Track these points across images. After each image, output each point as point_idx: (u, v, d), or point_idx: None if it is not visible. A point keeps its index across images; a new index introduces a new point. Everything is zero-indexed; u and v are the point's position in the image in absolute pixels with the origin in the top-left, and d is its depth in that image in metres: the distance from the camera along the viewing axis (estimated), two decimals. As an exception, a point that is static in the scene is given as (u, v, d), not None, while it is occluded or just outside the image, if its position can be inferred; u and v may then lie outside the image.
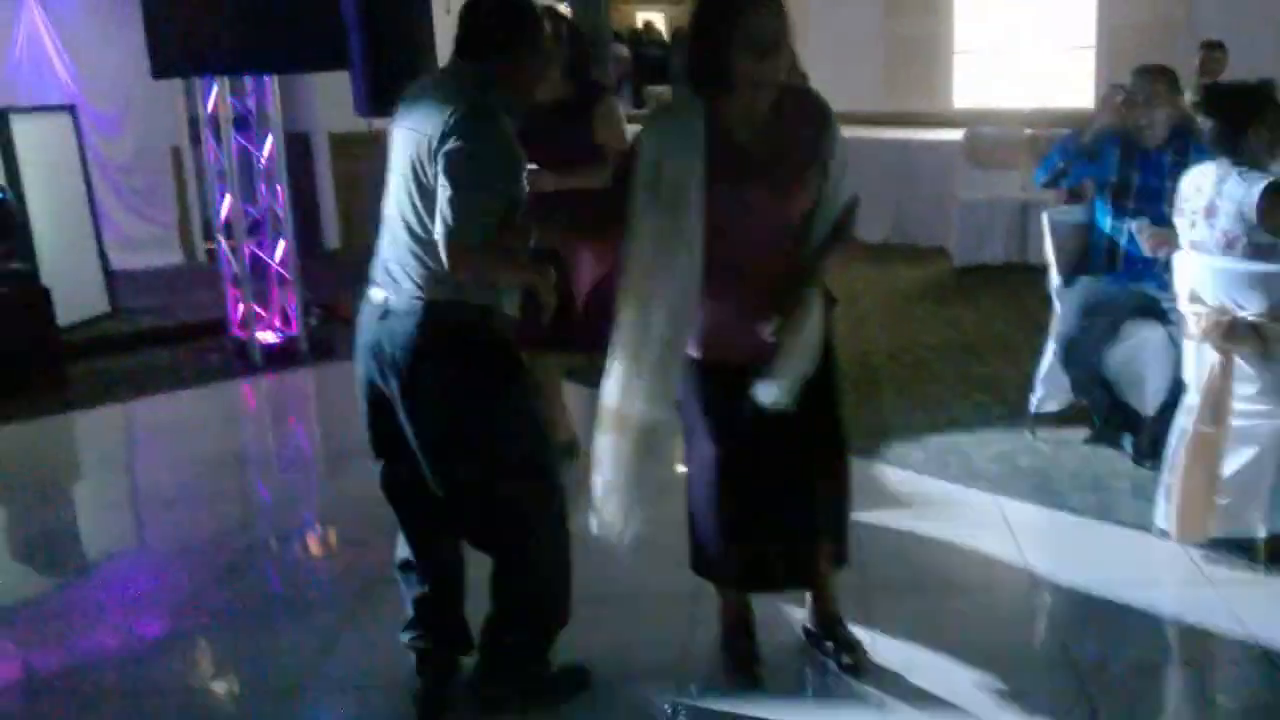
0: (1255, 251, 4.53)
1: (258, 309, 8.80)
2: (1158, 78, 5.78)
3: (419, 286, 3.54)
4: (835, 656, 4.09)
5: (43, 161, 9.23)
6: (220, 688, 4.39)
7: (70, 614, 4.96)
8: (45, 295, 8.14)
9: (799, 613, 4.24)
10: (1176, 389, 5.05)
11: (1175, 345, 5.20)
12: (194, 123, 10.05)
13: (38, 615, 5.00)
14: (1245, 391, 4.62)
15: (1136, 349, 5.58)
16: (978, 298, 9.64)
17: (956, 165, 11.42)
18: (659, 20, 21.89)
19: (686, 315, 3.54)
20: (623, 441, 3.62)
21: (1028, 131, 11.29)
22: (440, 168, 3.40)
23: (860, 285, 9.82)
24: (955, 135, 11.75)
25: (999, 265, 10.66)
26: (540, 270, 3.64)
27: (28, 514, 6.24)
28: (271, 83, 8.69)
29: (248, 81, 8.72)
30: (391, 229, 3.64)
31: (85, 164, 9.88)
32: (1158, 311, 5.55)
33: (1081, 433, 6.04)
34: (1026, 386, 6.33)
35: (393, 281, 3.61)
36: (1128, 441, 5.77)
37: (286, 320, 8.99)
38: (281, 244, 8.92)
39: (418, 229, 3.50)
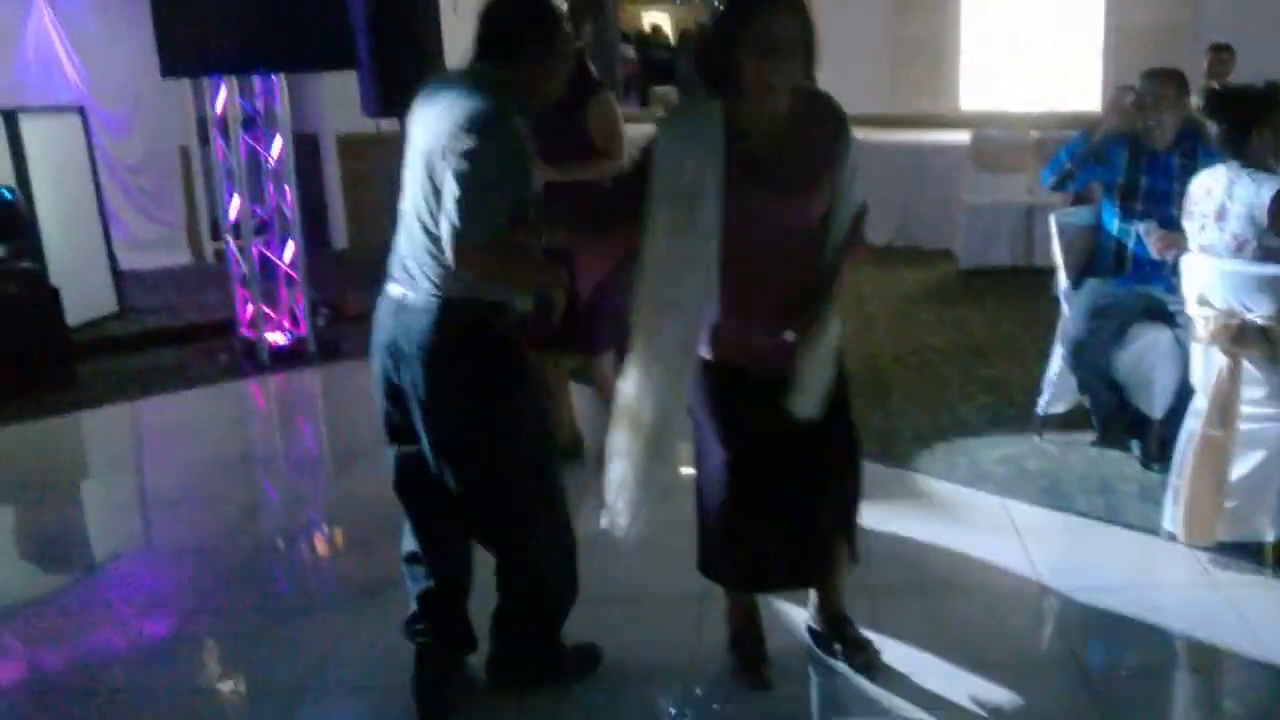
0: (1265, 255, 4.52)
1: (266, 309, 8.81)
2: (1166, 80, 5.78)
3: (435, 283, 3.56)
4: (845, 656, 4.10)
5: (52, 162, 9.25)
6: (227, 688, 4.39)
7: (77, 613, 4.97)
8: (54, 295, 8.16)
9: (803, 613, 4.25)
10: (1184, 392, 5.04)
11: (1183, 348, 5.19)
12: (202, 123, 10.06)
13: (45, 614, 4.99)
14: (1253, 395, 4.62)
15: (1144, 352, 5.55)
16: (984, 300, 9.63)
17: (963, 168, 11.41)
18: (665, 22, 21.93)
19: (701, 317, 3.54)
20: (635, 440, 3.64)
21: (1034, 134, 11.29)
22: (450, 167, 3.41)
23: (866, 288, 9.82)
24: (961, 138, 11.74)
25: (1005, 268, 10.65)
26: (550, 271, 3.65)
27: (36, 513, 6.25)
28: (280, 83, 8.70)
29: (256, 82, 8.73)
30: (408, 226, 3.66)
31: (94, 164, 9.91)
32: (1165, 314, 5.55)
33: (1089, 435, 6.03)
34: (1033, 389, 6.33)
35: (409, 278, 3.63)
36: (1135, 444, 5.77)
37: (295, 320, 9.00)
38: (290, 244, 8.92)
39: (432, 227, 3.52)
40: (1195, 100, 7.26)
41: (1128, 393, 5.66)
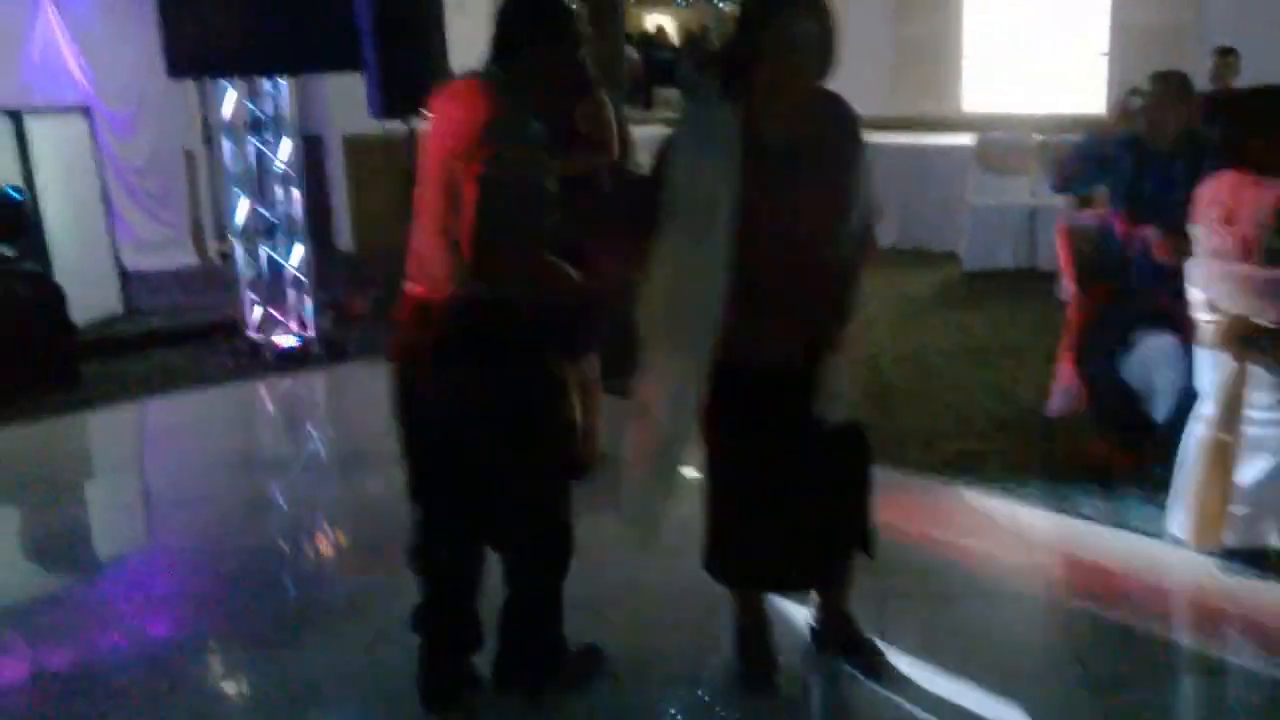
0: (1272, 258, 4.53)
1: (272, 310, 8.81)
2: (1172, 84, 5.75)
3: (454, 283, 3.57)
4: (851, 658, 4.11)
5: (57, 162, 9.26)
6: (233, 689, 4.41)
7: (82, 614, 4.99)
8: (60, 295, 8.17)
9: (802, 614, 4.25)
10: (1189, 397, 5.05)
11: (1187, 353, 5.20)
12: (207, 125, 10.08)
13: (50, 614, 5.01)
14: (1260, 400, 4.61)
15: (1149, 356, 5.55)
16: (988, 303, 9.64)
17: (966, 170, 11.44)
18: (669, 25, 21.94)
19: (716, 318, 3.53)
20: (648, 444, 3.66)
21: (1038, 137, 11.32)
22: (472, 171, 3.42)
23: (869, 290, 9.77)
24: (965, 140, 11.78)
25: (1009, 271, 10.68)
26: (565, 275, 3.67)
27: (40, 513, 6.25)
28: (287, 85, 8.70)
29: (263, 84, 8.75)
30: (426, 225, 3.67)
31: (99, 165, 9.93)
32: (1170, 319, 5.53)
33: (1094, 439, 6.00)
34: (1038, 392, 6.33)
35: (429, 278, 3.65)
36: (1140, 449, 5.75)
37: (301, 322, 9.01)
38: (297, 246, 8.94)
39: (452, 229, 3.53)
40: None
41: (1133, 397, 5.65)
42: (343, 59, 8.61)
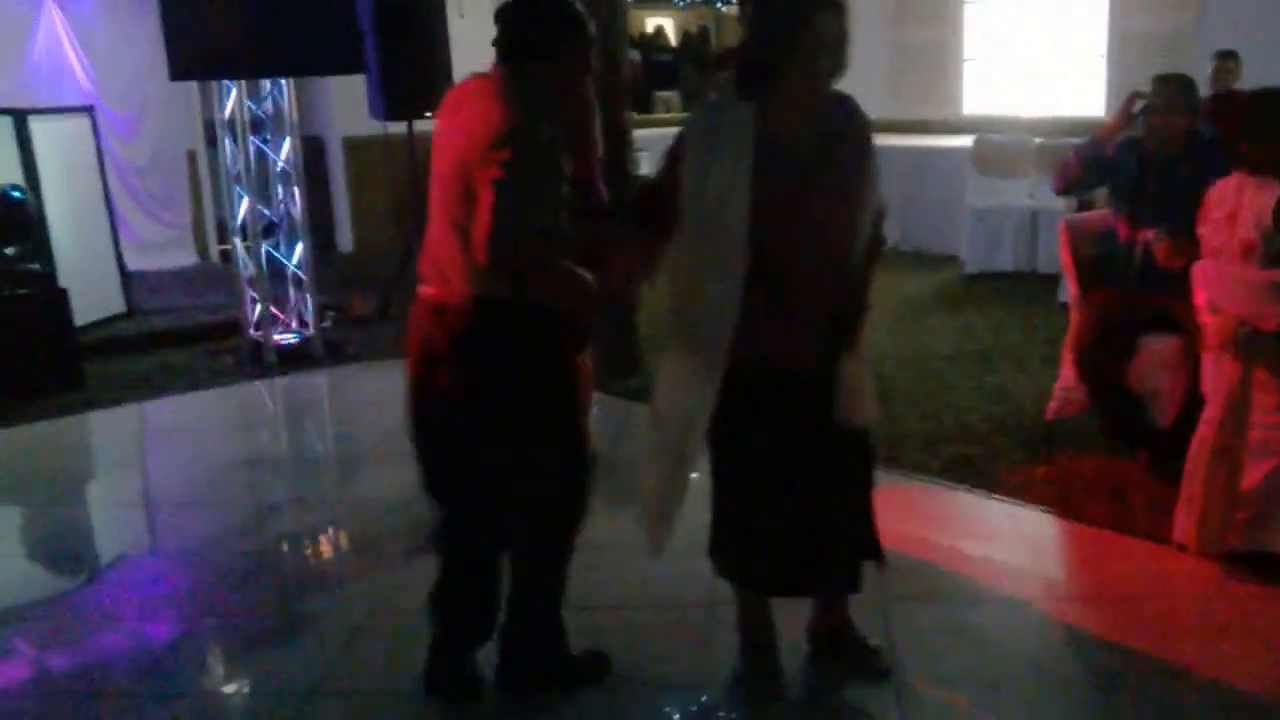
0: (1274, 260, 4.54)
1: (273, 310, 8.82)
2: (1176, 87, 5.76)
3: (470, 285, 3.59)
4: (854, 663, 4.11)
5: (60, 163, 9.28)
6: (234, 691, 4.39)
7: (84, 614, 4.98)
8: (62, 295, 8.18)
9: (801, 618, 4.22)
10: (1193, 400, 5.05)
11: (1192, 356, 5.21)
12: (209, 126, 10.09)
13: (52, 615, 5.01)
14: (1266, 403, 4.61)
15: (1153, 360, 5.57)
16: (989, 306, 9.64)
17: (966, 172, 11.46)
18: (668, 26, 21.93)
19: (730, 320, 3.53)
20: (663, 444, 3.68)
21: (1037, 140, 11.35)
22: (486, 175, 3.43)
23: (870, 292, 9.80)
24: (964, 142, 11.79)
25: (1009, 273, 10.70)
26: (579, 277, 3.67)
27: (43, 513, 6.25)
28: (288, 86, 8.72)
29: (265, 85, 8.76)
30: (440, 227, 3.69)
31: (102, 165, 9.95)
32: (1174, 322, 5.55)
33: (1097, 443, 6.02)
34: (1040, 395, 6.34)
35: (443, 280, 3.67)
36: (1143, 453, 5.77)
37: (302, 322, 9.02)
38: (298, 246, 8.95)
39: (466, 229, 3.54)
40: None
41: (1136, 400, 5.66)
42: (344, 61, 8.66)
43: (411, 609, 4.18)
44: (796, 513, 3.76)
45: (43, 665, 4.58)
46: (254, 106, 8.73)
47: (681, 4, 21.28)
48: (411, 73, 9.59)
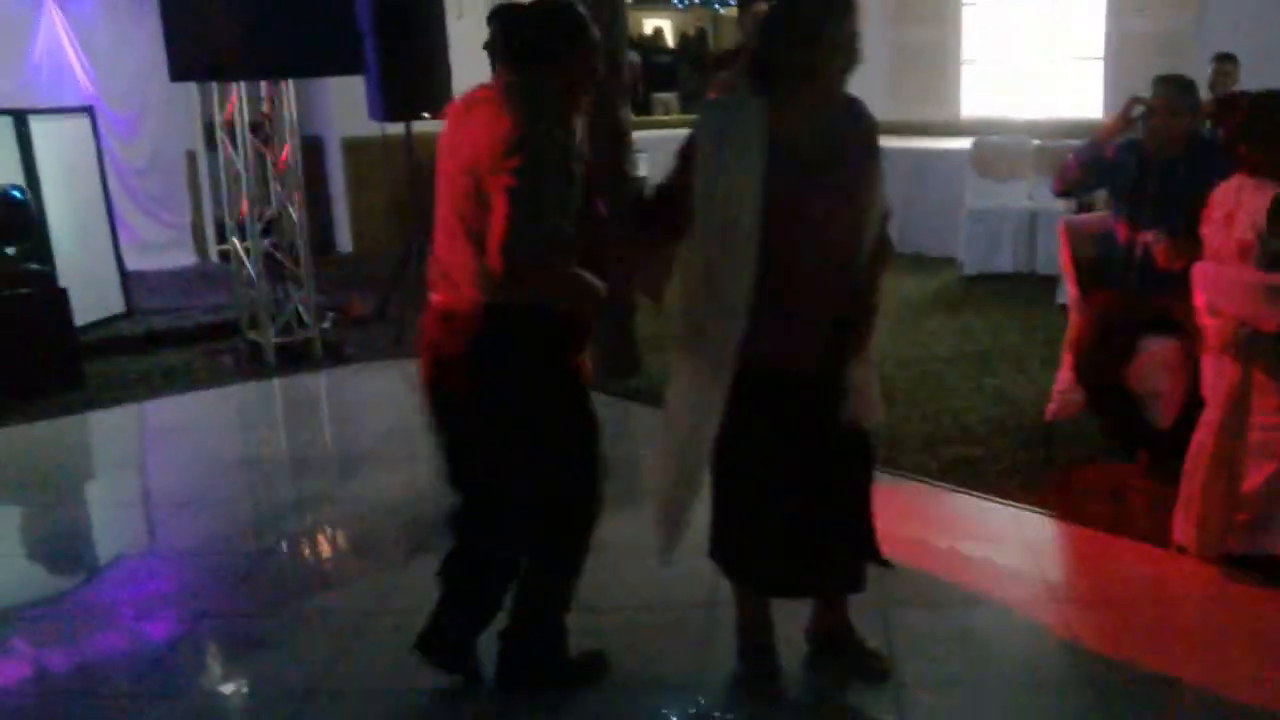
0: (1271, 261, 4.54)
1: (272, 311, 8.83)
2: (1177, 88, 5.76)
3: (480, 290, 3.61)
4: (854, 665, 4.11)
5: (61, 163, 9.29)
6: (233, 691, 4.39)
7: (83, 614, 4.99)
8: (62, 295, 8.18)
9: (797, 620, 4.21)
10: (1193, 402, 5.06)
11: (1191, 358, 5.21)
12: (209, 126, 10.11)
13: (51, 614, 5.02)
14: (1265, 405, 4.61)
15: (1152, 361, 5.58)
16: (987, 307, 9.65)
17: (965, 174, 11.46)
18: (667, 28, 21.93)
19: (742, 321, 3.53)
20: (674, 444, 3.70)
21: (1035, 142, 11.36)
22: (500, 181, 3.45)
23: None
24: (963, 144, 11.80)
25: (1008, 275, 10.71)
26: (588, 283, 3.69)
27: (42, 513, 6.26)
28: (288, 88, 8.72)
29: (264, 86, 8.77)
30: (449, 234, 3.71)
31: (102, 166, 9.96)
32: (1173, 323, 5.55)
33: (1096, 445, 6.03)
34: (1039, 397, 6.33)
35: (453, 286, 3.70)
36: (1143, 455, 5.77)
37: (300, 323, 9.02)
38: (297, 247, 8.95)
39: (477, 235, 3.56)
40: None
41: (1135, 402, 5.66)
42: (343, 62, 8.67)
43: (411, 609, 4.19)
44: (797, 513, 3.76)
45: (42, 665, 4.58)
46: (254, 107, 8.72)
47: (680, 5, 21.28)
48: (411, 74, 9.61)
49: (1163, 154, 5.78)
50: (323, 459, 7.28)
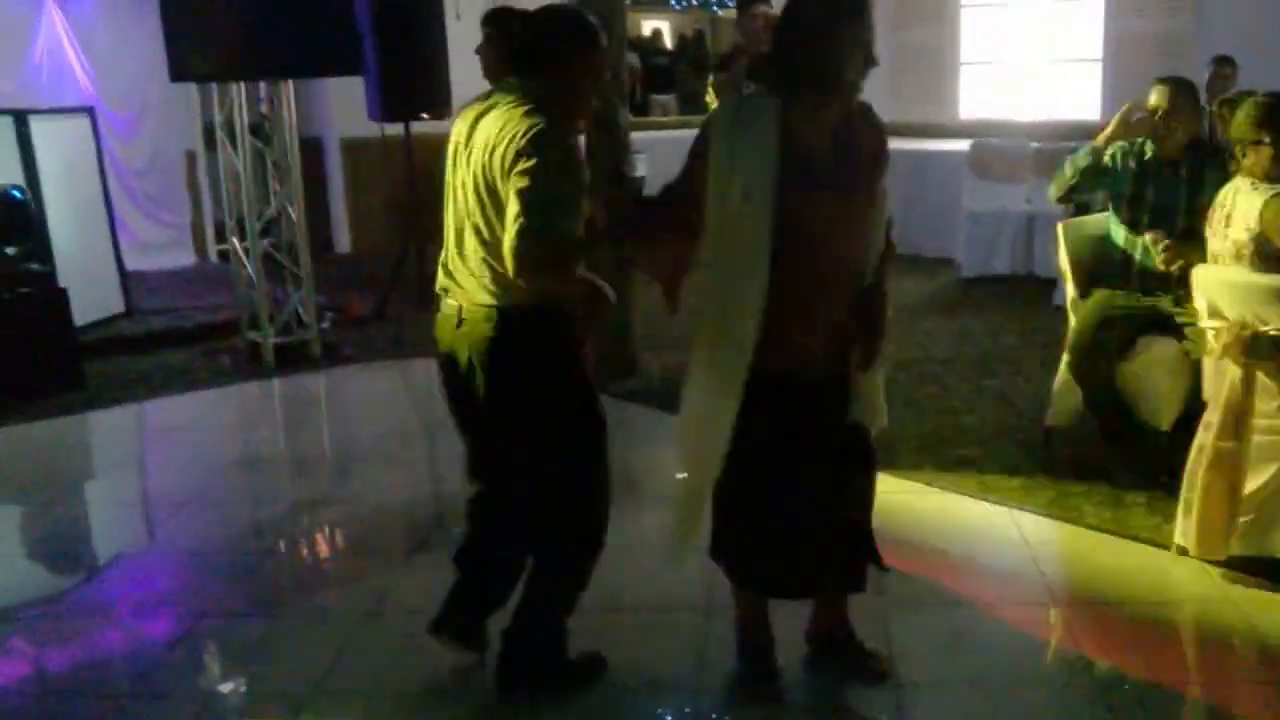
0: (1268, 263, 4.54)
1: (271, 311, 8.83)
2: (1179, 90, 5.74)
3: (492, 293, 3.66)
4: (854, 666, 4.11)
5: (61, 163, 9.29)
6: (232, 691, 4.39)
7: (83, 614, 5.00)
8: (62, 295, 8.18)
9: (796, 622, 4.21)
10: (1192, 404, 5.05)
11: (1190, 360, 5.21)
12: (208, 127, 10.11)
13: (50, 615, 5.01)
14: (1266, 407, 4.60)
15: (1151, 364, 5.57)
16: (986, 309, 9.66)
17: (963, 176, 11.48)
18: (665, 29, 21.90)
19: (756, 322, 3.54)
20: (690, 446, 3.74)
21: (1034, 144, 11.37)
22: (513, 183, 3.49)
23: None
24: (961, 146, 11.82)
25: (1006, 276, 10.72)
26: (597, 286, 3.72)
27: (43, 513, 6.26)
28: (287, 88, 8.73)
29: (264, 86, 8.77)
30: (460, 238, 3.75)
31: (102, 166, 9.96)
32: (1173, 325, 5.54)
33: (1096, 447, 6.01)
34: (1038, 399, 6.34)
35: (464, 290, 3.74)
36: (1142, 457, 5.75)
37: (299, 323, 9.03)
38: (296, 247, 8.95)
39: (489, 238, 3.61)
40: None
41: (1134, 404, 5.66)
42: (342, 63, 8.68)
43: (411, 609, 4.20)
44: (799, 514, 3.77)
45: (42, 664, 4.59)
46: (253, 108, 8.72)
47: (678, 7, 21.25)
48: (410, 75, 9.63)
49: (1163, 156, 5.78)
50: (322, 459, 7.29)
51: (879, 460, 4.02)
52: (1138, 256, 5.79)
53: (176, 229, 12.33)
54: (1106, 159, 5.87)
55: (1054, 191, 6.18)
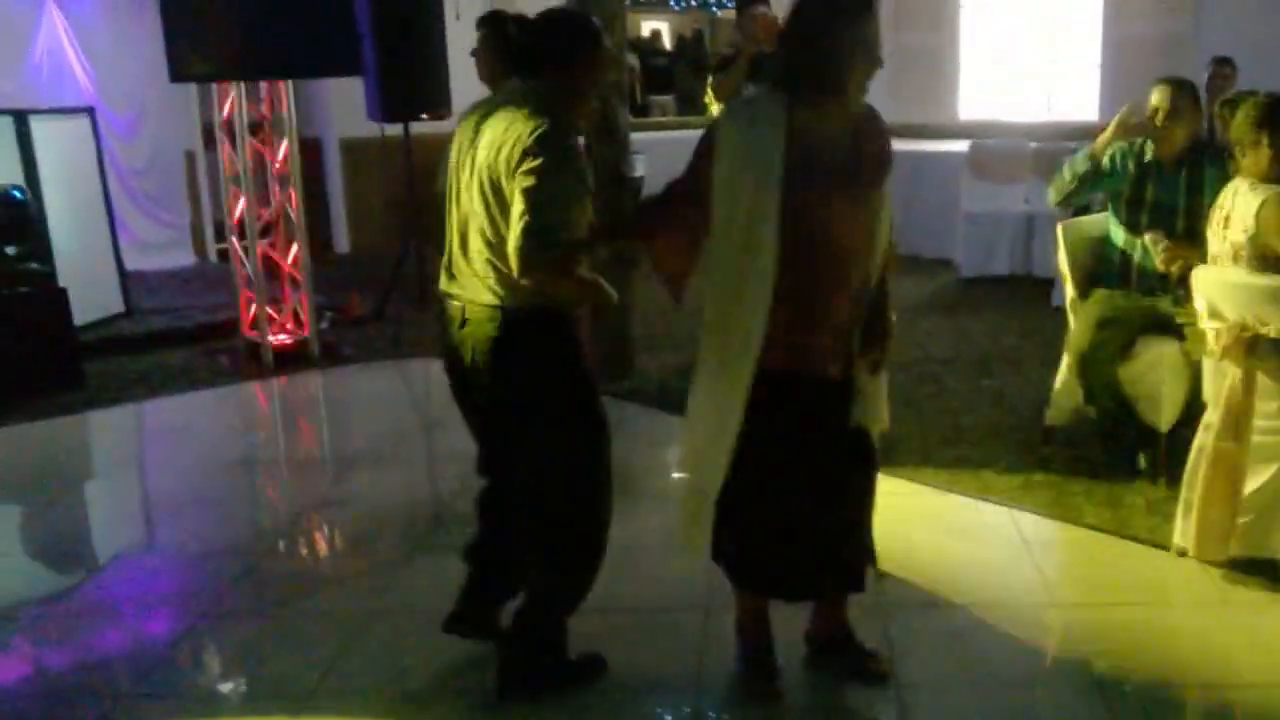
0: (1265, 265, 4.54)
1: (270, 311, 8.84)
2: (1180, 91, 5.74)
3: (495, 294, 3.68)
4: (854, 666, 4.11)
5: (61, 163, 9.28)
6: (232, 691, 4.39)
7: (83, 613, 5.00)
8: (62, 295, 8.18)
9: (794, 623, 4.21)
10: (1192, 405, 5.06)
11: (1190, 361, 5.21)
12: (208, 127, 10.12)
13: (50, 614, 5.02)
14: (1266, 408, 4.60)
15: (1151, 364, 5.57)
16: (984, 310, 9.67)
17: (962, 177, 11.48)
18: (664, 30, 21.92)
19: (762, 324, 3.54)
20: (696, 444, 3.73)
21: (1033, 145, 11.37)
22: (518, 183, 3.52)
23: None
24: (961, 147, 11.81)
25: (1005, 277, 10.73)
26: (599, 283, 3.74)
27: (43, 512, 6.27)
28: (287, 88, 8.74)
29: (263, 87, 8.78)
30: (464, 239, 3.78)
31: (102, 166, 9.96)
32: (1172, 326, 5.54)
33: (1095, 448, 6.03)
34: (1037, 399, 6.33)
35: (468, 290, 3.77)
36: (1141, 457, 5.77)
37: (298, 323, 9.03)
38: (294, 247, 8.96)
39: (493, 239, 3.64)
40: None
41: (1134, 405, 5.66)
42: (342, 63, 8.68)
43: (411, 609, 4.20)
44: (800, 515, 3.77)
45: (41, 664, 4.58)
46: (253, 108, 8.73)
47: (677, 8, 21.26)
48: (409, 75, 9.64)
49: (1163, 157, 5.78)
50: (321, 459, 7.29)
51: (879, 461, 4.02)
52: (1137, 257, 5.79)
53: (176, 229, 12.33)
54: (1105, 161, 5.87)
55: (1053, 196, 6.18)
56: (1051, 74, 13.86)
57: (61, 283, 8.31)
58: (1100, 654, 4.26)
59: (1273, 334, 4.50)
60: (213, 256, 12.60)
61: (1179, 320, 5.30)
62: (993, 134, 12.10)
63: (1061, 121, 12.73)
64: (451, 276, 3.85)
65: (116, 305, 9.86)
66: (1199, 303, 4.79)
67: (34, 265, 8.23)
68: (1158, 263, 5.57)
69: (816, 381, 3.67)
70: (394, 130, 10.20)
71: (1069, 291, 6.12)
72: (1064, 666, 4.31)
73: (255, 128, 8.80)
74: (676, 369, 7.79)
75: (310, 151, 11.94)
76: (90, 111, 10.06)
